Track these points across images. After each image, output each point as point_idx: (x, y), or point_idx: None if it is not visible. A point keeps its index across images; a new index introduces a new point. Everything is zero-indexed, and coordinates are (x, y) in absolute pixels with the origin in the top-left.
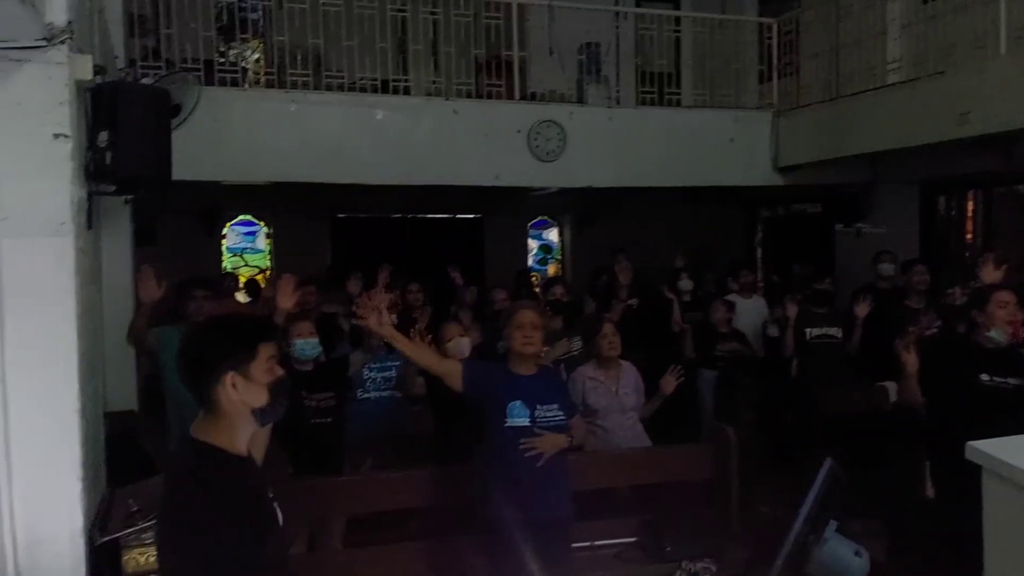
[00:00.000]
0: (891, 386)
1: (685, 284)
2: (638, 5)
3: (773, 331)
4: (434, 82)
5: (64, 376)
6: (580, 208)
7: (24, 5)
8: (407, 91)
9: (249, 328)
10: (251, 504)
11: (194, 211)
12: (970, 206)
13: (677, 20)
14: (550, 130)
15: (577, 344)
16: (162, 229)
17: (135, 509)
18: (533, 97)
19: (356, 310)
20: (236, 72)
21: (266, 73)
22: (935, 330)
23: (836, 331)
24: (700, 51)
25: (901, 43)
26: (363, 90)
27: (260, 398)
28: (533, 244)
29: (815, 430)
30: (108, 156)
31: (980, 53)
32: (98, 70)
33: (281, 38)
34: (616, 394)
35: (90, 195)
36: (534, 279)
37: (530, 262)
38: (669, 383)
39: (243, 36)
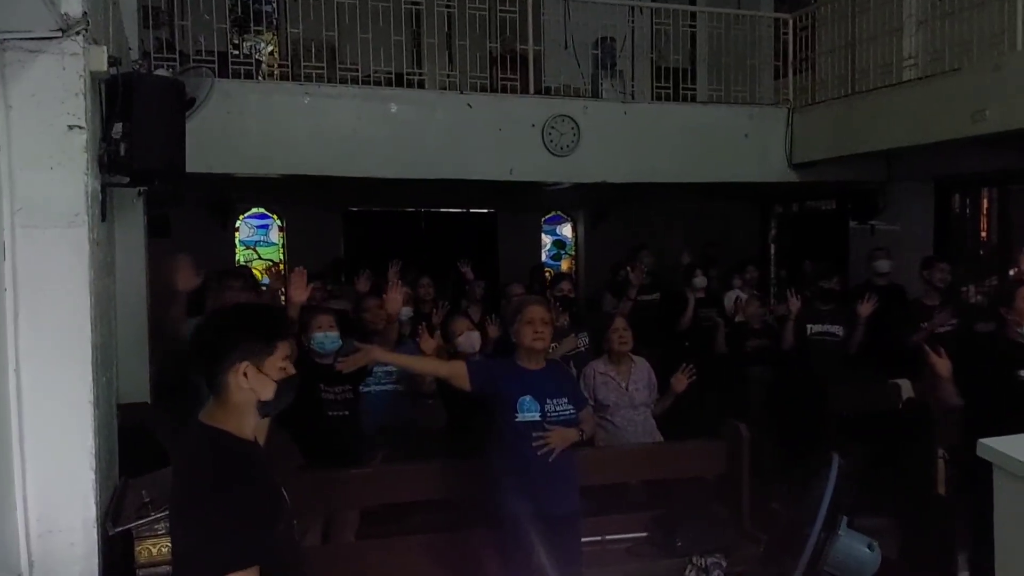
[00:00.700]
0: (904, 383)
1: (700, 281)
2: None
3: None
4: (448, 76)
5: (78, 367)
6: (594, 204)
7: None
8: (421, 84)
9: (272, 322)
10: (258, 486)
11: (207, 204)
12: (985, 204)
13: (692, 15)
14: (564, 124)
15: (584, 340)
16: (175, 222)
17: (148, 500)
18: (547, 91)
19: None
20: (250, 64)
21: (280, 66)
22: (950, 327)
23: (838, 329)
24: (715, 46)
25: (917, 39)
26: (377, 83)
27: (268, 392)
28: (547, 240)
29: (826, 428)
30: (122, 148)
31: (997, 50)
32: (113, 61)
33: (295, 30)
34: (627, 390)
35: (104, 187)
36: (548, 275)
37: (544, 258)
38: (680, 381)
39: (257, 29)
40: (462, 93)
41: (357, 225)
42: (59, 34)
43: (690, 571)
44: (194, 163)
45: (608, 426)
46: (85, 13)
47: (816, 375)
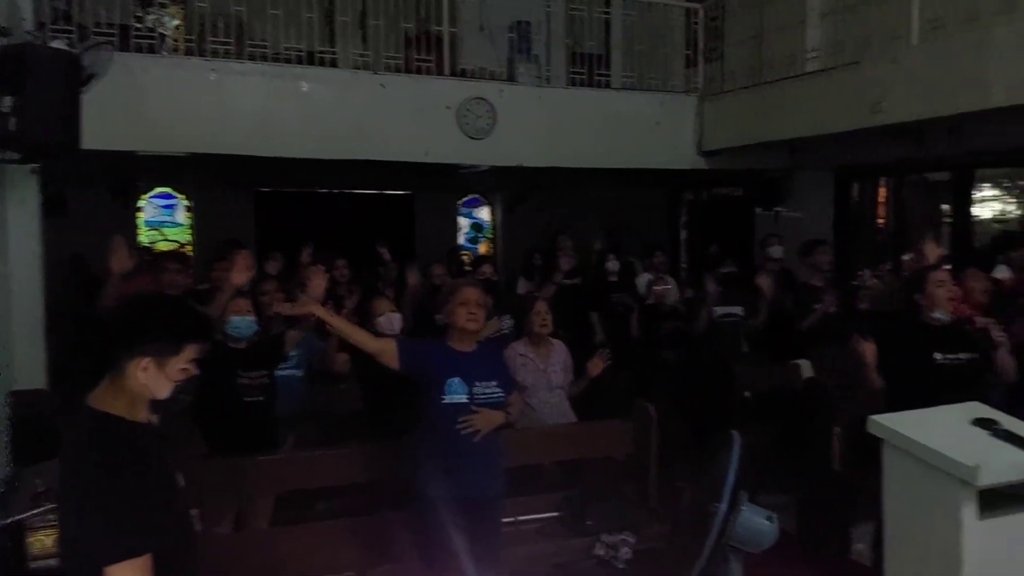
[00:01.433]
0: (804, 364)
1: (612, 265)
2: None
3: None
4: (362, 55)
5: None
6: (511, 187)
7: None
8: (334, 64)
9: (188, 323)
10: (150, 471)
11: (108, 183)
12: (882, 192)
13: (607, 1)
14: (480, 107)
15: (507, 323)
16: (74, 201)
17: (41, 490)
18: (463, 74)
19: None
20: (154, 38)
21: (186, 41)
22: (834, 308)
23: (738, 309)
24: (629, 33)
25: (820, 32)
26: (287, 61)
27: (163, 392)
28: (464, 222)
29: (731, 408)
30: (12, 122)
31: (894, 44)
32: (3, 32)
33: (202, 4)
34: (545, 371)
35: None
36: (465, 257)
37: (461, 240)
38: (596, 365)
39: (162, 2)
40: (376, 73)
41: (269, 206)
42: None
43: (599, 548)
44: (93, 139)
45: (526, 408)
46: None
47: (722, 357)
